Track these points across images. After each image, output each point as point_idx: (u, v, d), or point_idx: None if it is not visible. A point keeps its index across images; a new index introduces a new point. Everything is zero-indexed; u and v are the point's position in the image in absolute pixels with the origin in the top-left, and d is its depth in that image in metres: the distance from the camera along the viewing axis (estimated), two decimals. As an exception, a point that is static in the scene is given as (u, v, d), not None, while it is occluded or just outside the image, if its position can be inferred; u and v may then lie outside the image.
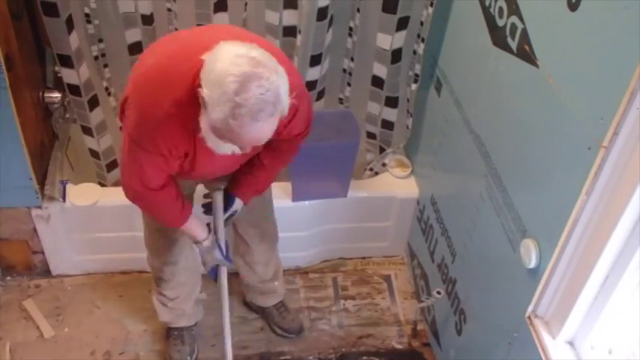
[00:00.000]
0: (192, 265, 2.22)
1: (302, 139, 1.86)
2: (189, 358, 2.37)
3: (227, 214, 1.97)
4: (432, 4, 2.12)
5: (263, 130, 1.41)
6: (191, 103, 1.48)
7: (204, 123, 1.45)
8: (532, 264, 1.61)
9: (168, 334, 2.40)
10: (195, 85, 1.45)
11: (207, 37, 1.51)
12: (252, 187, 1.96)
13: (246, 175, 1.93)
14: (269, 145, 1.67)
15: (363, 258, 2.81)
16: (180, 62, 1.51)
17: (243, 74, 1.34)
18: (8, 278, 2.59)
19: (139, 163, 1.65)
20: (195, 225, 1.92)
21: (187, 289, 2.27)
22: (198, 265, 2.12)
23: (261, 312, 2.52)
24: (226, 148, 1.53)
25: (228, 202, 1.96)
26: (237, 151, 1.54)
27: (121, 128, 1.72)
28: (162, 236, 2.08)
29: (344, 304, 2.64)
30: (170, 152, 1.61)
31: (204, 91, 1.38)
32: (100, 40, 2.34)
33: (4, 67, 2.01)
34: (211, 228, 1.96)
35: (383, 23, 2.23)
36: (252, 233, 2.23)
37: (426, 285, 2.52)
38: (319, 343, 2.50)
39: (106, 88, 2.45)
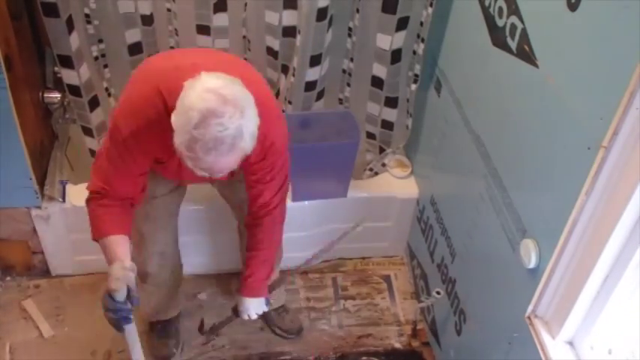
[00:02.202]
0: (178, 263, 2.25)
1: (277, 204, 1.91)
2: (175, 350, 2.37)
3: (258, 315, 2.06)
4: (431, 5, 2.12)
5: (218, 164, 1.48)
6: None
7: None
8: (532, 264, 1.61)
9: (152, 328, 2.39)
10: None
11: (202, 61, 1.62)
12: (256, 280, 2.00)
13: (247, 277, 1.99)
14: (253, 235, 1.91)
15: (363, 258, 2.81)
16: (180, 76, 1.55)
17: (205, 110, 1.41)
18: (8, 278, 2.59)
19: (109, 160, 1.71)
20: (122, 244, 1.76)
21: (170, 283, 2.26)
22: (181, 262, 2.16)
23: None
24: (198, 171, 1.56)
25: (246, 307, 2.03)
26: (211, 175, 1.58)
27: None
28: (147, 222, 2.05)
29: (344, 304, 2.64)
30: (150, 156, 1.70)
31: (173, 117, 1.46)
32: (100, 41, 2.34)
33: (3, 67, 2.01)
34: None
35: (382, 23, 2.24)
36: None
37: (425, 285, 2.52)
38: (319, 343, 2.50)
39: (106, 89, 2.45)
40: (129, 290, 1.69)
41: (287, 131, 1.84)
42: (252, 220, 1.93)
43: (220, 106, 1.42)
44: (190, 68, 1.53)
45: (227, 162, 1.48)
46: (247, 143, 1.47)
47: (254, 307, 2.03)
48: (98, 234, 1.75)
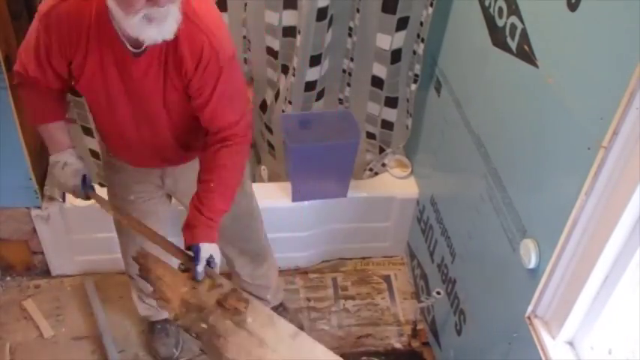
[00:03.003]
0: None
1: (238, 141, 1.69)
2: (175, 350, 2.37)
3: (201, 266, 1.65)
4: (431, 4, 2.12)
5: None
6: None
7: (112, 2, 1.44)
8: (532, 264, 1.61)
9: (152, 328, 2.39)
10: None
11: None
12: (201, 224, 1.68)
13: (195, 215, 1.69)
14: (206, 163, 1.67)
15: (363, 258, 2.81)
16: None
17: None
18: (8, 278, 2.59)
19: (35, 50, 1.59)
20: (60, 133, 1.74)
21: None
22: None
23: None
24: (142, 30, 1.45)
25: (195, 256, 1.66)
26: (155, 37, 1.46)
27: None
28: (125, 233, 1.98)
29: (344, 305, 2.64)
30: (62, 43, 1.55)
31: None
32: (100, 41, 2.34)
33: (3, 67, 2.01)
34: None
35: (383, 23, 2.24)
36: (230, 248, 2.14)
37: (425, 285, 2.52)
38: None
39: (106, 89, 2.45)
40: (84, 177, 1.74)
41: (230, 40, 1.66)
42: (212, 148, 1.69)
43: None
44: None
45: None
46: None
47: (214, 251, 1.68)
48: (38, 120, 1.73)
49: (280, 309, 2.49)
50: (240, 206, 1.98)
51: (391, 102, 2.46)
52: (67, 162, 1.74)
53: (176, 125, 1.74)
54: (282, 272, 2.64)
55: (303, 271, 2.74)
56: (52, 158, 1.76)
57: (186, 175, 1.87)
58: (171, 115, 1.70)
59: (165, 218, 2.06)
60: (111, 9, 1.47)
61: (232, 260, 2.22)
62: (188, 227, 1.69)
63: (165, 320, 2.38)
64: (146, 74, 1.58)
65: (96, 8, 1.51)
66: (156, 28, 1.44)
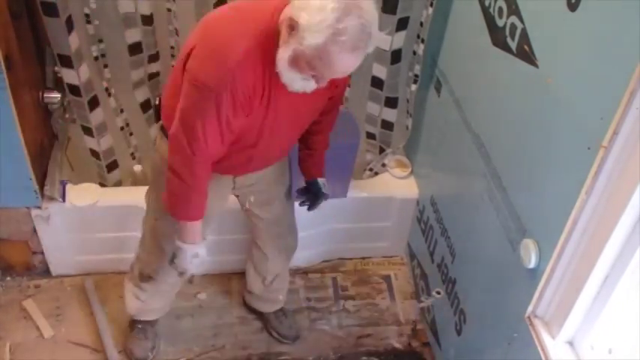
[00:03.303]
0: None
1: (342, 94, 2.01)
2: (150, 354, 2.36)
3: (319, 202, 2.07)
4: (431, 5, 2.12)
5: (355, 62, 1.45)
6: (269, 37, 1.49)
7: (284, 54, 1.46)
8: (532, 264, 1.61)
9: (132, 326, 2.38)
10: (274, 19, 1.48)
11: None
12: (319, 161, 2.04)
13: (311, 157, 2.02)
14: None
15: (363, 258, 2.81)
16: (255, 5, 1.53)
17: (344, 3, 1.37)
18: (8, 278, 2.59)
19: (203, 118, 1.55)
20: (199, 227, 1.80)
21: (167, 288, 2.22)
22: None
23: (260, 315, 2.52)
24: (301, 84, 1.53)
25: (316, 192, 2.04)
26: (311, 87, 1.54)
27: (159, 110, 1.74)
28: (171, 240, 1.91)
29: (344, 305, 2.64)
30: (246, 96, 1.54)
31: (303, 17, 1.39)
32: (100, 41, 2.35)
33: (3, 67, 2.01)
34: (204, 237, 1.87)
35: (383, 23, 2.23)
36: (272, 245, 2.22)
37: (425, 285, 2.52)
38: (319, 343, 2.50)
39: (106, 89, 2.45)
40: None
41: None
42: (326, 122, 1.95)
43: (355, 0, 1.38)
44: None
45: (360, 59, 1.45)
46: (375, 38, 1.44)
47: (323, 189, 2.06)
48: (192, 216, 1.76)
49: (280, 313, 2.49)
50: (289, 194, 2.14)
51: (391, 102, 2.46)
52: (198, 254, 1.83)
53: (305, 127, 1.88)
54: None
55: (303, 271, 2.74)
56: (184, 246, 1.80)
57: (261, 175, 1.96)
58: (310, 120, 1.85)
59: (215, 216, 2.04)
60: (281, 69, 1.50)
61: (269, 260, 2.24)
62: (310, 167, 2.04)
63: (148, 322, 2.36)
64: (303, 99, 1.63)
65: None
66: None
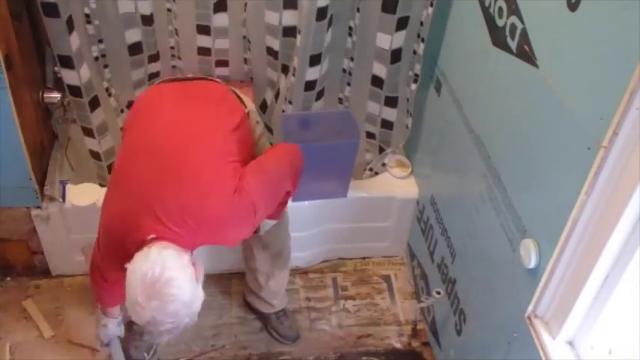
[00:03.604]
0: None
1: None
2: (146, 354, 2.36)
3: None
4: (431, 4, 2.12)
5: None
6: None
7: None
8: (532, 264, 1.61)
9: (129, 327, 2.37)
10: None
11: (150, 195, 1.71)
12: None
13: None
14: None
15: (363, 258, 2.81)
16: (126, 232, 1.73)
17: (148, 319, 1.61)
18: (8, 278, 2.59)
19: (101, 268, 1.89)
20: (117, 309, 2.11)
21: None
22: None
23: (260, 314, 2.52)
24: None
25: None
26: None
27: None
28: None
29: (344, 305, 2.64)
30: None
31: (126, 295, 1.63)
32: (100, 41, 2.35)
33: (3, 67, 2.01)
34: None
35: (383, 23, 2.24)
36: (255, 241, 2.23)
37: (425, 285, 2.52)
38: (319, 343, 2.51)
39: (107, 89, 2.45)
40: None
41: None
42: None
43: (160, 315, 1.59)
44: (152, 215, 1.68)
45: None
46: (181, 318, 1.65)
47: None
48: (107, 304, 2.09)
49: (280, 313, 2.49)
50: None
51: (391, 102, 2.46)
52: (107, 326, 2.13)
53: None
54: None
55: (303, 271, 2.74)
56: (100, 318, 2.14)
57: None
58: None
59: None
60: None
61: (254, 255, 2.26)
62: None
63: None
64: None
65: None
66: None
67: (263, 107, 2.60)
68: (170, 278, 1.58)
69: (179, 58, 2.43)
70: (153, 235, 1.65)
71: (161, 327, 1.61)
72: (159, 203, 1.68)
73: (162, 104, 1.93)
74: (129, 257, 1.64)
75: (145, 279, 1.57)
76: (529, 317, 1.67)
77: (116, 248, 1.73)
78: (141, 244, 1.65)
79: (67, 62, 2.20)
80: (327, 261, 2.78)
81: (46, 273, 2.61)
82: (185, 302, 1.61)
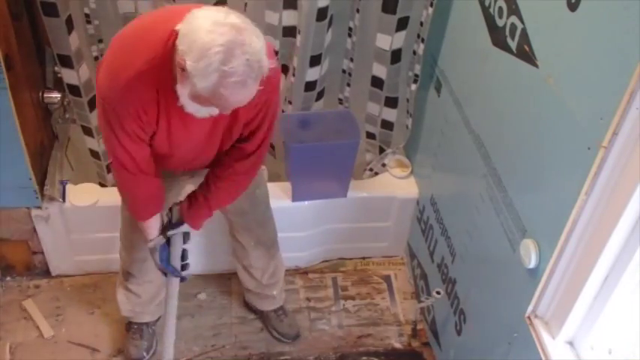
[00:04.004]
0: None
1: (260, 154, 1.86)
2: (145, 354, 2.35)
3: (174, 231, 1.92)
4: (431, 5, 2.12)
5: (249, 93, 1.44)
6: (163, 67, 1.50)
7: (183, 91, 1.48)
8: (532, 264, 1.61)
9: (128, 327, 2.39)
10: (168, 51, 1.48)
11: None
12: (201, 209, 1.91)
13: (197, 198, 1.91)
14: (229, 161, 1.83)
15: (363, 258, 2.81)
16: (158, 26, 1.53)
17: (227, 42, 1.36)
18: (8, 278, 2.59)
19: (115, 134, 1.62)
20: (154, 224, 1.89)
21: (153, 289, 2.25)
22: None
23: (260, 314, 2.52)
24: (206, 112, 1.56)
25: (177, 222, 1.94)
26: (216, 112, 1.55)
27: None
28: (137, 231, 2.00)
29: (344, 305, 2.64)
30: (140, 117, 1.59)
31: (188, 63, 1.38)
32: (100, 41, 2.35)
33: (3, 67, 2.01)
34: (167, 235, 1.93)
35: (382, 23, 2.24)
36: (247, 237, 2.23)
37: (425, 285, 2.52)
38: (319, 343, 2.50)
39: (106, 89, 2.45)
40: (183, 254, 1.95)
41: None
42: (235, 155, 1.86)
43: (239, 34, 1.37)
44: (171, 16, 1.50)
45: (254, 89, 1.44)
46: (265, 63, 1.43)
47: (182, 227, 1.96)
48: (141, 217, 1.87)
49: (280, 312, 2.49)
50: (261, 190, 2.13)
51: (391, 102, 2.46)
52: (157, 248, 1.92)
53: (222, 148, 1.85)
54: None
55: (303, 271, 2.74)
56: (148, 243, 1.93)
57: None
58: (222, 144, 1.83)
59: None
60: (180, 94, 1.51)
61: (248, 252, 2.25)
62: (190, 207, 1.91)
63: (143, 323, 2.37)
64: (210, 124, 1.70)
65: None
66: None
67: (263, 107, 2.60)
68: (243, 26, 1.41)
69: (179, 58, 2.43)
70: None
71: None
72: None
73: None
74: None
75: (218, 23, 1.38)
76: (529, 317, 1.67)
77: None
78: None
79: (66, 62, 2.20)
80: (327, 261, 2.78)
81: (46, 273, 2.61)
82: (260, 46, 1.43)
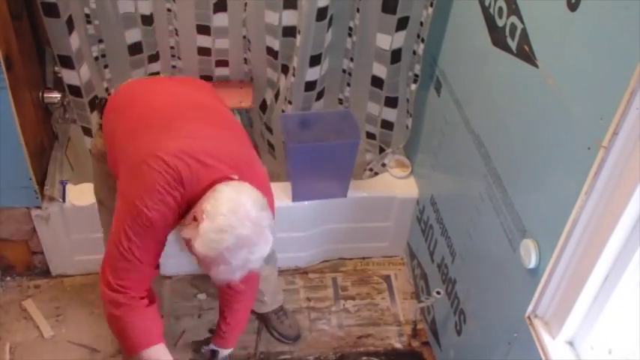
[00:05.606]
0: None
1: (253, 287, 2.00)
2: None
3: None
4: (431, 4, 2.12)
5: (231, 279, 1.57)
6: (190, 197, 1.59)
7: (185, 234, 1.55)
8: (532, 264, 1.61)
9: None
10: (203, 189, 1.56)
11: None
12: (232, 332, 2.05)
13: (226, 325, 2.02)
14: (229, 305, 1.96)
15: (363, 258, 2.81)
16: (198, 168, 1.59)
17: (241, 237, 1.47)
18: (8, 278, 2.59)
19: (135, 241, 1.59)
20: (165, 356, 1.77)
21: None
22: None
23: (258, 315, 2.52)
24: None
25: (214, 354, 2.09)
26: None
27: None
28: None
29: (344, 305, 2.64)
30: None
31: (204, 223, 1.47)
32: (100, 41, 2.35)
33: (3, 67, 2.01)
34: None
35: (382, 23, 2.24)
36: None
37: (425, 285, 2.52)
38: (319, 343, 2.51)
39: (107, 89, 2.45)
40: None
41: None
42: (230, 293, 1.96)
43: (255, 235, 1.49)
44: (206, 158, 1.57)
45: (235, 278, 1.56)
46: (258, 266, 1.56)
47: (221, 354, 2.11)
48: (139, 346, 1.69)
49: (280, 312, 2.49)
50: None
51: (391, 102, 2.46)
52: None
53: None
54: (282, 272, 2.64)
55: (303, 271, 2.74)
56: None
57: None
58: None
59: None
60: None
61: None
62: (220, 336, 2.05)
63: None
64: None
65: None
66: None
67: (263, 107, 2.60)
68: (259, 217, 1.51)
69: (179, 58, 2.44)
70: (235, 176, 1.58)
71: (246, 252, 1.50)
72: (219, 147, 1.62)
73: (156, 82, 1.93)
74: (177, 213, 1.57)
75: (248, 217, 1.47)
76: (529, 317, 1.67)
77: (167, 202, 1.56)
78: (209, 186, 1.55)
79: (67, 62, 2.20)
80: (327, 261, 2.78)
81: (46, 273, 2.61)
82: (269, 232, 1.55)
